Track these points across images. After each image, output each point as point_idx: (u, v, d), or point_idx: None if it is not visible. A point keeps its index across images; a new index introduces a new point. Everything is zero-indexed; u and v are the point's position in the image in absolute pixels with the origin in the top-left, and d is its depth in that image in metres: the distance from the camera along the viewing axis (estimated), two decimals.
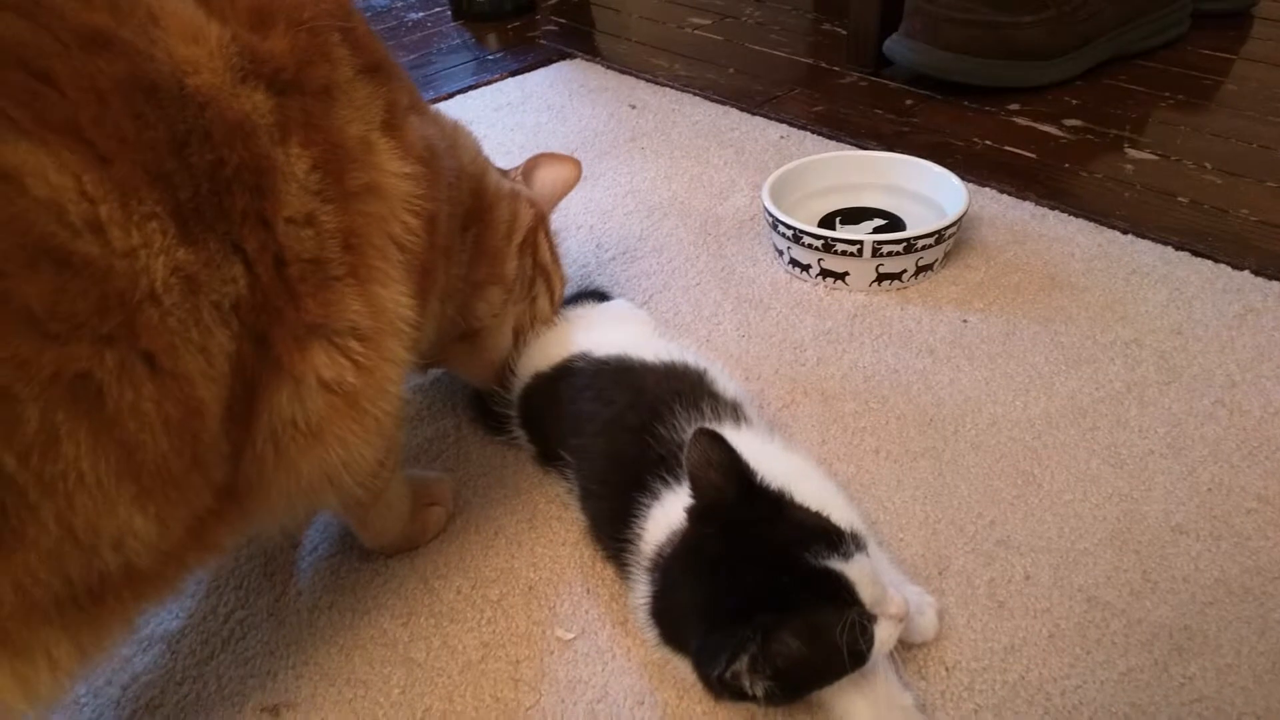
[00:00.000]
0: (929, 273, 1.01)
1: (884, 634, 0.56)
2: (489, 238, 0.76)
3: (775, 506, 0.59)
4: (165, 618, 0.71)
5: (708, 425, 0.66)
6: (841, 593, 0.54)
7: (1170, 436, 0.80)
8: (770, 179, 1.07)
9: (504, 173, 0.83)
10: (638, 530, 0.64)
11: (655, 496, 0.64)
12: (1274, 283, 0.97)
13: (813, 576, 0.55)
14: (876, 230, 1.06)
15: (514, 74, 1.58)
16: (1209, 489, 0.75)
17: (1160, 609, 0.66)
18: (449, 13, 1.85)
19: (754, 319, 0.98)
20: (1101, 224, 1.09)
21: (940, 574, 0.70)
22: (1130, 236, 1.06)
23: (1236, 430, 0.80)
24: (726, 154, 1.29)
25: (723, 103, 1.44)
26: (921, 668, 0.63)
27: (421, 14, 1.87)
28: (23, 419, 0.40)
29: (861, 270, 0.99)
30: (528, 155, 0.88)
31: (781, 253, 1.04)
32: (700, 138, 1.34)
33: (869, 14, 1.46)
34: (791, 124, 1.36)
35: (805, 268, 1.02)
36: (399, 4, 1.93)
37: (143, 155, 0.45)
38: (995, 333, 0.93)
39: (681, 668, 0.59)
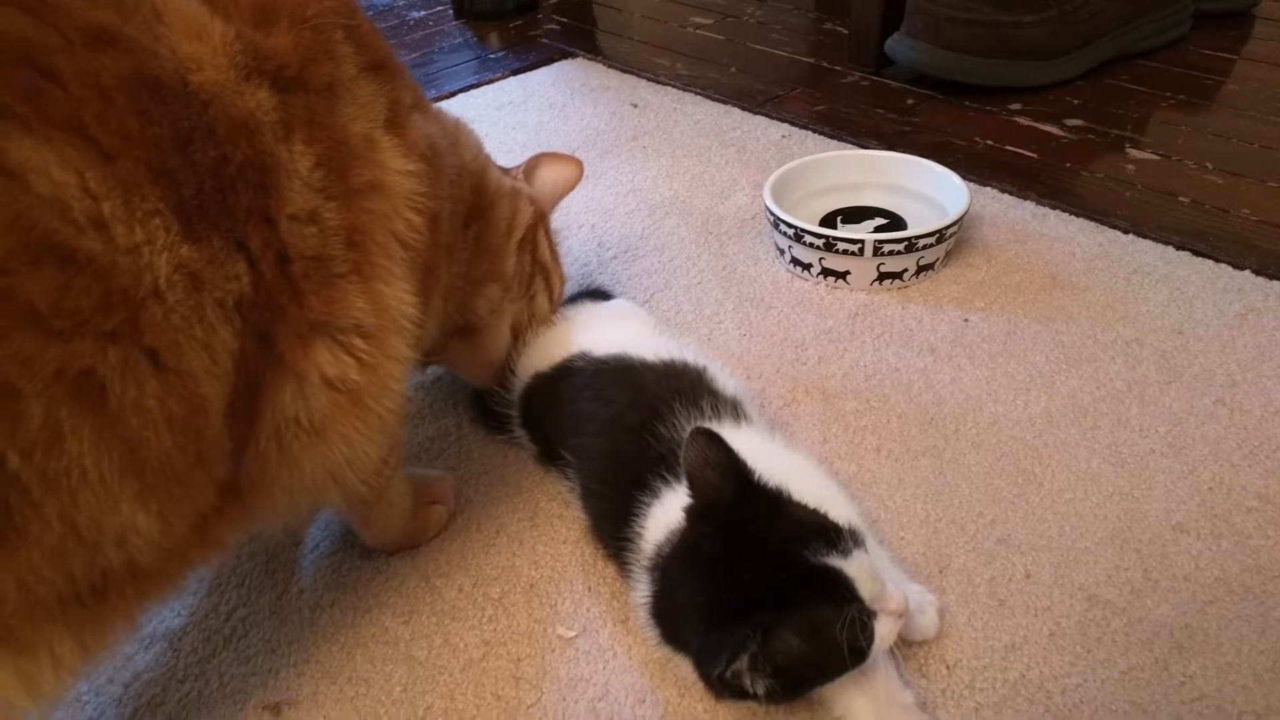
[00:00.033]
0: (930, 272, 1.01)
1: (884, 630, 0.56)
2: (489, 235, 0.76)
3: (773, 504, 0.59)
4: (167, 615, 0.71)
5: (707, 424, 0.66)
6: (841, 589, 0.55)
7: (1171, 435, 0.80)
8: (772, 178, 1.07)
9: (505, 171, 0.83)
10: (638, 529, 0.64)
11: (655, 495, 0.64)
12: (1275, 282, 0.97)
13: (812, 574, 0.55)
14: (878, 229, 1.06)
15: (515, 73, 1.58)
16: (1210, 488, 0.75)
17: (1161, 607, 0.66)
18: (451, 11, 1.85)
19: (755, 318, 0.98)
20: (1103, 223, 1.09)
21: (941, 572, 0.70)
22: (1131, 236, 1.06)
23: (1237, 429, 0.80)
24: (728, 153, 1.29)
25: (724, 102, 1.44)
26: (922, 666, 0.63)
27: (423, 12, 1.87)
28: (26, 416, 0.41)
29: (863, 269, 0.99)
30: (529, 154, 0.88)
31: (783, 252, 1.04)
32: (702, 137, 1.34)
33: (870, 13, 1.47)
34: (793, 123, 1.36)
35: (806, 267, 1.02)
36: (401, 2, 1.93)
37: (146, 152, 0.45)
38: (996, 332, 0.93)
39: (683, 666, 0.60)
